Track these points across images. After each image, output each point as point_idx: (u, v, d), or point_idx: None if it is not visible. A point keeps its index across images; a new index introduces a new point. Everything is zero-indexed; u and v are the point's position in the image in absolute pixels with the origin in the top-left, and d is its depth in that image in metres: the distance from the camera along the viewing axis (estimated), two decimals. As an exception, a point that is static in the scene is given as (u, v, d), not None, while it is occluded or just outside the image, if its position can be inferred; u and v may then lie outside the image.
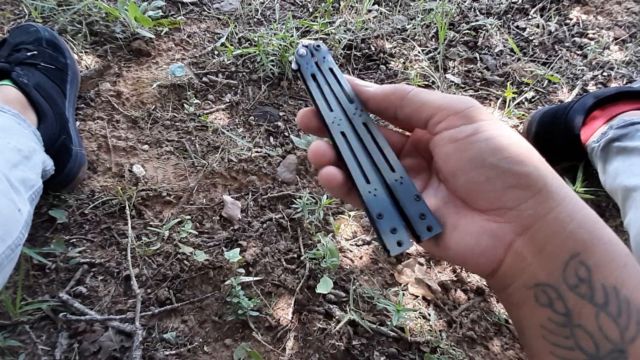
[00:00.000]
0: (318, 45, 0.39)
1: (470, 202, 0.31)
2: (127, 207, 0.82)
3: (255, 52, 1.06)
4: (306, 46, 0.39)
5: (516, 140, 0.30)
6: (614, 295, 0.26)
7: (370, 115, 0.37)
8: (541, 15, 1.29)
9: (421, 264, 0.84)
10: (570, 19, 1.30)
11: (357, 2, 1.22)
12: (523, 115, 1.06)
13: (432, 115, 0.32)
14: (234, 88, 1.04)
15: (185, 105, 0.97)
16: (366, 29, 1.18)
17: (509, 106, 1.06)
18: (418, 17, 1.23)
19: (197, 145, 0.93)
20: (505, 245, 0.29)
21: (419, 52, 1.15)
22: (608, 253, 0.27)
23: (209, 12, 1.17)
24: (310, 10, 1.22)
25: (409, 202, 0.33)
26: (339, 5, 1.22)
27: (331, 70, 0.38)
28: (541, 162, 0.30)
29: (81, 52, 1.00)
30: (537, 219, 0.28)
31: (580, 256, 0.27)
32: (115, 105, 0.95)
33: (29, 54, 0.83)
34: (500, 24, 1.25)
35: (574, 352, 0.27)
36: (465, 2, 1.30)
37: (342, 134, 0.36)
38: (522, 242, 0.28)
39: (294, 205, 0.86)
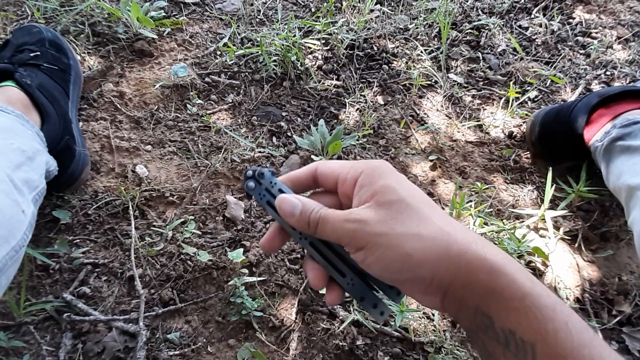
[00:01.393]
0: (261, 173, 0.43)
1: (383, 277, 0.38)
2: (131, 208, 0.82)
3: (257, 52, 1.06)
4: (251, 177, 0.43)
5: (396, 252, 0.35)
6: (511, 337, 0.31)
7: None
8: (544, 15, 1.29)
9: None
10: (573, 18, 1.29)
11: (359, 2, 1.22)
12: (526, 114, 1.06)
13: (338, 243, 0.39)
14: (236, 88, 1.04)
15: (188, 105, 0.97)
16: (368, 29, 1.18)
17: (511, 106, 1.06)
18: (420, 16, 1.23)
19: (200, 146, 0.93)
20: (439, 307, 0.36)
21: (421, 52, 1.14)
22: (503, 301, 0.32)
23: (211, 13, 1.17)
24: (313, 10, 1.22)
25: (364, 297, 0.40)
26: (341, 5, 1.22)
27: (281, 191, 0.42)
28: (425, 255, 0.34)
29: (84, 53, 1.01)
30: (445, 290, 0.35)
31: (481, 308, 0.33)
32: (118, 105, 0.95)
33: (32, 54, 0.83)
34: (502, 23, 1.25)
35: None
36: (467, 1, 1.30)
37: (311, 244, 0.41)
38: (447, 304, 0.35)
39: (297, 206, 0.86)
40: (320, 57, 1.11)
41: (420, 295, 0.36)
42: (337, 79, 1.08)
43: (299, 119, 1.01)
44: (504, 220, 0.90)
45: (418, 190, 0.38)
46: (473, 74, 1.14)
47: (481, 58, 1.18)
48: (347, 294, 0.41)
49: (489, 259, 0.33)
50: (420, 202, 0.36)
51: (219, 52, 1.08)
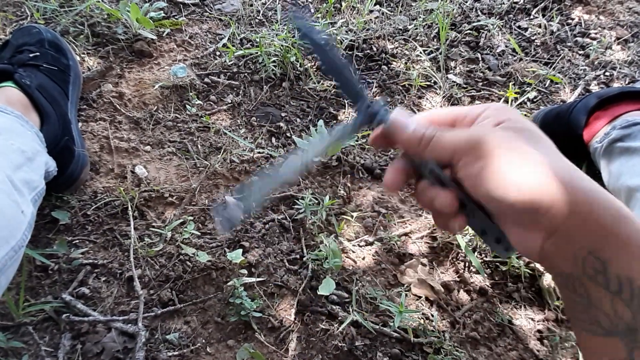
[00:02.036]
0: (375, 108, 0.40)
1: (504, 219, 0.36)
2: (130, 208, 0.82)
3: (257, 52, 1.06)
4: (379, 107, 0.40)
5: (519, 169, 0.33)
6: (628, 284, 0.30)
7: None
8: (543, 15, 1.29)
9: (424, 265, 0.84)
10: (572, 19, 1.30)
11: (358, 3, 1.22)
12: (525, 115, 1.06)
13: (451, 159, 0.36)
14: (235, 89, 1.04)
15: (187, 106, 0.97)
16: (368, 30, 1.18)
17: (511, 106, 1.06)
18: (420, 17, 1.23)
19: (199, 146, 0.93)
20: (537, 247, 0.34)
21: (420, 53, 1.14)
22: (622, 248, 0.31)
23: (210, 13, 1.17)
24: (312, 10, 1.22)
25: (486, 228, 0.37)
26: (341, 5, 1.22)
27: None
28: (548, 183, 0.32)
29: (83, 54, 1.01)
30: (556, 228, 0.33)
31: (595, 253, 0.31)
32: (118, 106, 0.95)
33: (31, 55, 0.83)
34: (502, 24, 1.25)
35: (593, 326, 0.32)
36: (466, 2, 1.30)
37: (430, 171, 0.38)
38: (549, 245, 0.33)
39: (296, 206, 0.86)
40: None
41: (523, 231, 0.34)
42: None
43: (298, 120, 1.01)
44: (503, 221, 0.90)
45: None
46: (472, 75, 1.15)
47: (480, 59, 1.18)
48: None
49: (616, 203, 0.32)
50: (542, 138, 0.35)
51: (218, 53, 1.08)
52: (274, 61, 1.05)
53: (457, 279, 0.83)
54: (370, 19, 1.21)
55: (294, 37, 1.07)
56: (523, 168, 0.32)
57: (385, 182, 0.40)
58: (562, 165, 0.33)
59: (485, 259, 0.85)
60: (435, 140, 0.36)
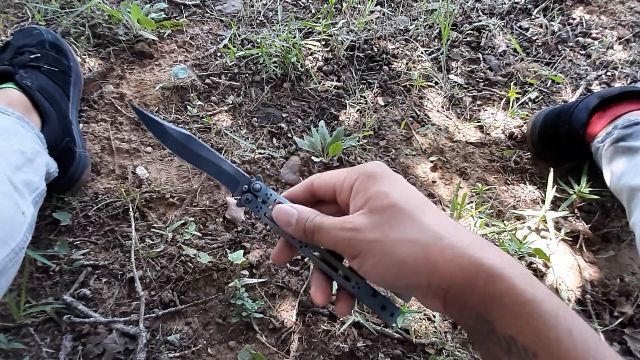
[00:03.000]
0: (256, 187, 0.43)
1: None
2: (131, 209, 0.82)
3: (258, 53, 1.06)
4: (247, 191, 0.43)
5: (390, 260, 0.35)
6: (513, 344, 0.31)
7: None
8: (544, 15, 1.29)
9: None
10: (574, 19, 1.29)
11: (359, 3, 1.22)
12: (527, 115, 1.06)
13: (336, 248, 0.38)
14: (236, 90, 1.04)
15: (188, 107, 0.97)
16: (369, 30, 1.18)
17: (512, 106, 1.06)
18: (421, 17, 1.22)
19: (200, 147, 0.92)
20: (441, 309, 0.36)
21: (421, 53, 1.14)
22: (501, 307, 0.31)
23: (211, 14, 1.17)
24: (313, 11, 1.22)
25: (370, 301, 0.40)
26: (342, 6, 1.22)
27: (277, 202, 0.42)
28: (420, 261, 0.34)
29: (84, 55, 1.01)
30: (444, 294, 0.34)
31: (482, 314, 0.32)
32: (119, 107, 0.95)
33: (32, 56, 0.83)
34: (503, 24, 1.25)
35: None
36: (467, 2, 1.30)
37: (313, 252, 0.41)
38: (447, 307, 0.35)
39: (297, 207, 0.86)
40: (320, 58, 1.11)
41: (422, 299, 0.36)
42: (338, 80, 1.08)
43: (299, 120, 1.01)
44: (505, 222, 0.89)
45: (414, 192, 0.38)
46: (473, 75, 1.14)
47: (481, 59, 1.17)
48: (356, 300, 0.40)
49: (485, 263, 0.32)
50: (415, 206, 0.36)
51: (219, 54, 1.08)
52: (274, 62, 1.05)
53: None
54: (371, 20, 1.21)
55: (294, 37, 1.07)
56: (393, 256, 0.34)
57: (272, 258, 0.44)
58: (429, 236, 0.34)
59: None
60: (317, 233, 0.38)
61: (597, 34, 1.25)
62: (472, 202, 0.91)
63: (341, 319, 0.75)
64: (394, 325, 0.74)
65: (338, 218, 0.37)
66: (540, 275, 0.84)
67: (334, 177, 0.40)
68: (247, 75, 1.06)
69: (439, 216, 0.36)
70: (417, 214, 0.35)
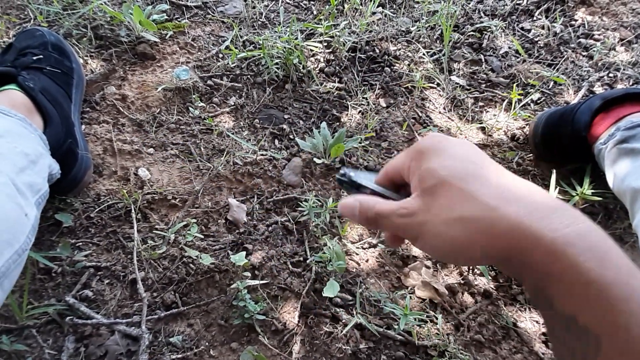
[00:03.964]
0: (351, 178, 0.44)
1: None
2: (133, 211, 0.82)
3: (259, 55, 1.06)
4: (343, 174, 0.44)
5: (444, 240, 0.34)
6: (573, 323, 0.29)
7: None
8: (546, 17, 1.29)
9: (428, 267, 0.83)
10: (576, 20, 1.29)
11: (361, 5, 1.22)
12: (529, 116, 1.05)
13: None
14: (238, 91, 1.04)
15: (190, 108, 0.97)
16: (370, 31, 1.18)
17: (514, 108, 1.06)
18: (422, 19, 1.22)
19: (202, 149, 0.92)
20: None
21: (423, 54, 1.14)
22: (562, 284, 0.29)
23: (213, 16, 1.17)
24: (315, 12, 1.22)
25: None
26: (343, 7, 1.22)
27: (360, 185, 0.44)
28: (471, 236, 0.33)
29: (86, 56, 1.01)
30: (505, 266, 0.33)
31: (541, 289, 0.31)
32: (121, 108, 0.95)
33: (34, 58, 0.84)
34: (505, 25, 1.25)
35: (562, 352, 0.32)
36: (469, 3, 1.30)
37: None
38: (510, 274, 0.35)
39: (299, 208, 0.86)
40: (322, 59, 1.11)
41: (486, 264, 0.37)
42: (339, 82, 1.08)
43: (301, 122, 1.01)
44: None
45: (465, 160, 0.35)
46: (475, 76, 1.14)
47: (483, 60, 1.17)
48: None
49: (545, 236, 0.29)
50: (465, 177, 0.34)
51: (221, 55, 1.08)
52: (276, 63, 1.05)
53: (462, 282, 0.82)
54: (373, 21, 1.21)
55: (296, 39, 1.07)
56: (446, 236, 0.33)
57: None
58: (479, 209, 0.32)
59: (489, 261, 0.85)
60: (379, 223, 0.39)
61: (599, 35, 1.25)
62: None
63: (343, 320, 0.75)
64: (396, 327, 0.74)
65: (396, 203, 0.37)
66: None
67: (399, 160, 0.40)
68: (249, 76, 1.06)
69: (496, 180, 0.34)
70: (467, 186, 0.33)
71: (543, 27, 1.25)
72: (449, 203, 0.33)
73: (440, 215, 0.34)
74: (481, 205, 0.32)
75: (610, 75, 1.16)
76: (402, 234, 0.38)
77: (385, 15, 1.23)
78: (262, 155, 0.93)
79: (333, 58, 1.12)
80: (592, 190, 0.91)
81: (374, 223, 0.39)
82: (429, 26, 1.21)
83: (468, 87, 1.12)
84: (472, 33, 1.22)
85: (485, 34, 1.22)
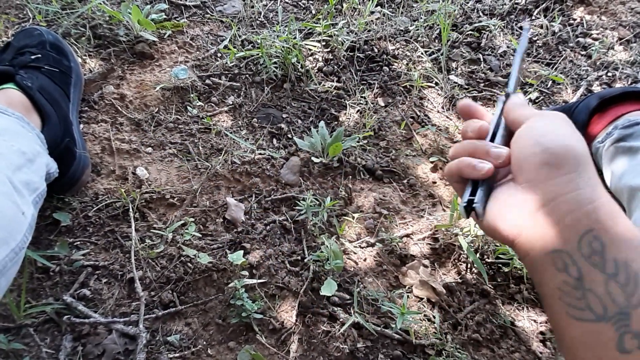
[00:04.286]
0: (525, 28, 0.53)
1: (516, 176, 0.39)
2: (131, 210, 0.82)
3: (258, 54, 1.06)
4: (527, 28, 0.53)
5: (565, 129, 0.38)
6: (624, 268, 0.30)
7: None
8: (545, 16, 1.29)
9: (425, 266, 0.83)
10: (574, 20, 1.29)
11: (359, 4, 1.22)
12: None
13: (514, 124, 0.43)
14: (237, 90, 1.04)
15: (189, 107, 0.97)
16: (369, 31, 1.18)
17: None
18: (421, 18, 1.23)
19: (201, 148, 0.92)
20: (530, 213, 0.35)
21: (422, 54, 1.14)
22: (623, 234, 0.31)
23: (211, 15, 1.17)
24: (313, 12, 1.22)
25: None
26: (342, 7, 1.22)
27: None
28: (582, 151, 0.36)
29: (85, 55, 1.01)
30: (560, 194, 0.34)
31: (595, 232, 0.31)
32: (119, 108, 0.95)
33: (33, 57, 0.84)
34: (503, 24, 1.25)
35: (584, 312, 0.31)
36: (468, 3, 1.30)
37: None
38: (544, 212, 0.34)
39: (297, 207, 0.86)
40: (320, 59, 1.11)
41: (530, 187, 0.36)
42: (338, 81, 1.08)
43: (299, 121, 1.01)
44: (505, 222, 0.89)
45: None
46: (474, 76, 1.14)
47: (482, 59, 1.17)
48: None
49: (613, 201, 0.34)
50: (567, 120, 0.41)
51: (219, 55, 1.08)
52: (275, 62, 1.05)
53: (459, 281, 0.82)
54: (372, 20, 1.21)
55: (295, 38, 1.07)
56: (573, 136, 0.38)
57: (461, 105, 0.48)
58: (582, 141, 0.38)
59: (487, 260, 0.85)
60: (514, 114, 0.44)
61: (597, 34, 1.25)
62: (472, 202, 0.91)
63: (341, 319, 0.75)
64: (394, 326, 0.74)
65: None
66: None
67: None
68: (247, 76, 1.06)
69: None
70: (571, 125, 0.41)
71: (542, 27, 1.25)
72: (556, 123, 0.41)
73: (547, 119, 0.40)
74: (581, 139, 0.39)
75: (609, 74, 1.16)
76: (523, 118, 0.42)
77: (384, 15, 1.23)
78: (260, 154, 0.93)
79: (331, 57, 1.12)
80: (590, 189, 0.91)
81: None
82: (427, 25, 1.21)
83: (466, 86, 1.12)
84: (470, 32, 1.22)
85: (484, 33, 1.22)
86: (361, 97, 1.05)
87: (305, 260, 0.81)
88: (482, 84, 1.13)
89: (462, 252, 0.84)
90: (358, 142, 0.97)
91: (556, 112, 0.41)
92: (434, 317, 0.77)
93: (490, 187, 0.42)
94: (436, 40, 1.19)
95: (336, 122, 1.01)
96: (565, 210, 0.33)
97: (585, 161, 0.36)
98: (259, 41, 1.07)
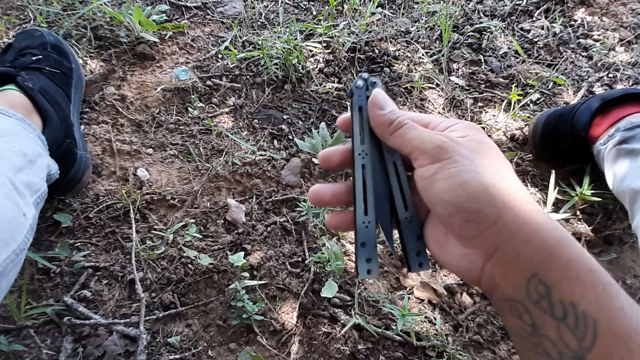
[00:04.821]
0: (374, 82, 0.41)
1: (447, 230, 0.36)
2: (132, 211, 0.82)
3: (259, 55, 1.06)
4: (365, 79, 0.42)
5: (473, 177, 0.33)
6: (572, 310, 0.29)
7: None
8: (545, 17, 1.29)
9: (426, 268, 0.83)
10: (575, 21, 1.29)
11: (360, 5, 1.22)
12: (528, 117, 1.05)
13: (410, 154, 0.37)
14: (237, 91, 1.04)
15: (190, 108, 0.97)
16: (370, 32, 1.18)
17: (513, 108, 1.06)
18: (422, 19, 1.22)
19: (201, 149, 0.92)
20: (479, 267, 0.34)
21: (423, 55, 1.14)
22: (565, 271, 0.30)
23: (212, 16, 1.17)
24: (314, 13, 1.22)
25: (411, 239, 0.39)
26: (343, 8, 1.22)
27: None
28: (498, 195, 0.33)
29: (86, 57, 1.01)
30: (497, 246, 0.32)
31: (539, 275, 0.30)
32: (120, 109, 0.95)
33: (34, 58, 0.84)
34: (504, 25, 1.25)
35: (543, 356, 0.31)
36: (469, 4, 1.30)
37: (362, 166, 0.40)
38: (490, 266, 0.33)
39: (298, 209, 0.86)
40: (321, 60, 1.11)
41: (464, 247, 0.34)
42: (339, 82, 1.08)
43: (300, 122, 1.01)
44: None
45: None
46: (475, 77, 1.14)
47: (483, 61, 1.17)
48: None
49: (558, 226, 0.32)
50: (506, 160, 0.37)
51: (220, 56, 1.08)
52: (276, 63, 1.05)
53: (460, 282, 0.82)
54: (373, 22, 1.21)
55: (296, 39, 1.07)
56: (477, 176, 0.33)
57: (320, 156, 0.42)
58: (514, 182, 0.34)
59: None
60: (405, 128, 0.37)
61: (598, 35, 1.25)
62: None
63: (342, 321, 0.75)
64: (395, 327, 0.74)
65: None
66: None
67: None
68: (248, 77, 1.06)
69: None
70: (507, 163, 0.36)
71: (542, 28, 1.25)
72: (495, 161, 0.35)
73: (483, 160, 0.34)
74: (513, 179, 0.35)
75: (610, 75, 1.15)
76: (428, 148, 0.35)
77: (385, 16, 1.23)
78: (261, 155, 0.93)
79: (332, 58, 1.12)
80: (592, 191, 0.91)
81: (395, 128, 0.37)
82: (428, 27, 1.21)
83: (467, 88, 1.12)
84: (471, 33, 1.22)
85: (485, 35, 1.22)
86: (362, 98, 1.05)
87: (306, 261, 0.81)
88: (483, 85, 1.12)
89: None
90: (359, 143, 0.96)
91: (431, 136, 0.36)
92: (435, 318, 0.77)
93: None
94: (437, 42, 1.19)
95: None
96: (506, 260, 0.32)
97: (503, 206, 0.33)
98: (259, 42, 1.07)
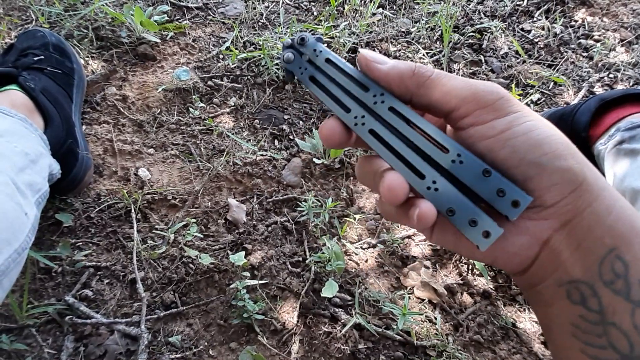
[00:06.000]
0: (302, 39, 0.32)
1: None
2: (133, 211, 0.82)
3: (260, 55, 1.06)
4: (290, 46, 0.33)
5: (553, 133, 0.28)
6: None
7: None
8: (546, 17, 1.29)
9: (427, 267, 0.83)
10: (576, 21, 1.29)
11: (361, 6, 1.23)
12: (529, 117, 1.05)
13: (456, 108, 0.29)
14: (239, 92, 1.04)
15: (191, 109, 0.98)
16: (371, 32, 1.18)
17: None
18: (422, 20, 1.23)
19: (203, 149, 0.93)
20: (540, 242, 0.28)
21: (423, 55, 1.14)
22: None
23: (213, 17, 1.17)
24: (315, 13, 1.22)
25: (478, 181, 0.28)
26: (344, 8, 1.22)
27: (329, 61, 0.32)
28: (579, 154, 0.28)
29: (87, 57, 1.01)
30: (575, 214, 0.27)
31: (618, 250, 0.26)
32: (121, 109, 0.96)
33: (35, 58, 0.84)
34: (505, 26, 1.25)
35: (606, 351, 0.26)
36: (469, 4, 1.30)
37: (371, 132, 0.31)
38: (559, 238, 0.27)
39: (299, 209, 0.86)
40: (322, 60, 1.11)
41: (535, 213, 0.28)
42: (339, 82, 1.08)
43: (300, 122, 1.01)
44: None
45: None
46: (475, 77, 1.14)
47: (483, 61, 1.17)
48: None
49: (625, 200, 0.27)
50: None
51: (221, 56, 1.09)
52: (276, 64, 1.05)
53: (461, 282, 0.82)
54: (373, 22, 1.21)
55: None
56: (556, 131, 0.28)
57: (321, 132, 0.32)
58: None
59: (488, 261, 0.85)
60: (437, 77, 0.29)
61: (599, 36, 1.25)
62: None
63: (342, 320, 0.75)
64: (395, 327, 0.74)
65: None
66: (542, 277, 0.83)
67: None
68: (249, 77, 1.06)
69: None
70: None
71: (543, 28, 1.25)
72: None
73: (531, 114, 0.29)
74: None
75: (611, 76, 1.16)
76: (481, 99, 0.28)
77: (385, 16, 1.23)
78: (261, 155, 0.93)
79: (333, 59, 1.12)
80: (592, 191, 0.91)
81: (419, 82, 0.29)
82: (429, 27, 1.22)
83: (468, 88, 1.12)
84: (472, 34, 1.22)
85: (485, 35, 1.23)
86: (363, 98, 1.05)
87: (307, 261, 0.81)
88: (484, 86, 1.13)
89: (463, 253, 0.84)
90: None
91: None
92: (436, 318, 0.77)
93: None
94: (438, 42, 1.19)
95: (338, 124, 1.01)
96: (583, 231, 0.27)
97: (585, 165, 0.28)
98: (260, 43, 1.07)
